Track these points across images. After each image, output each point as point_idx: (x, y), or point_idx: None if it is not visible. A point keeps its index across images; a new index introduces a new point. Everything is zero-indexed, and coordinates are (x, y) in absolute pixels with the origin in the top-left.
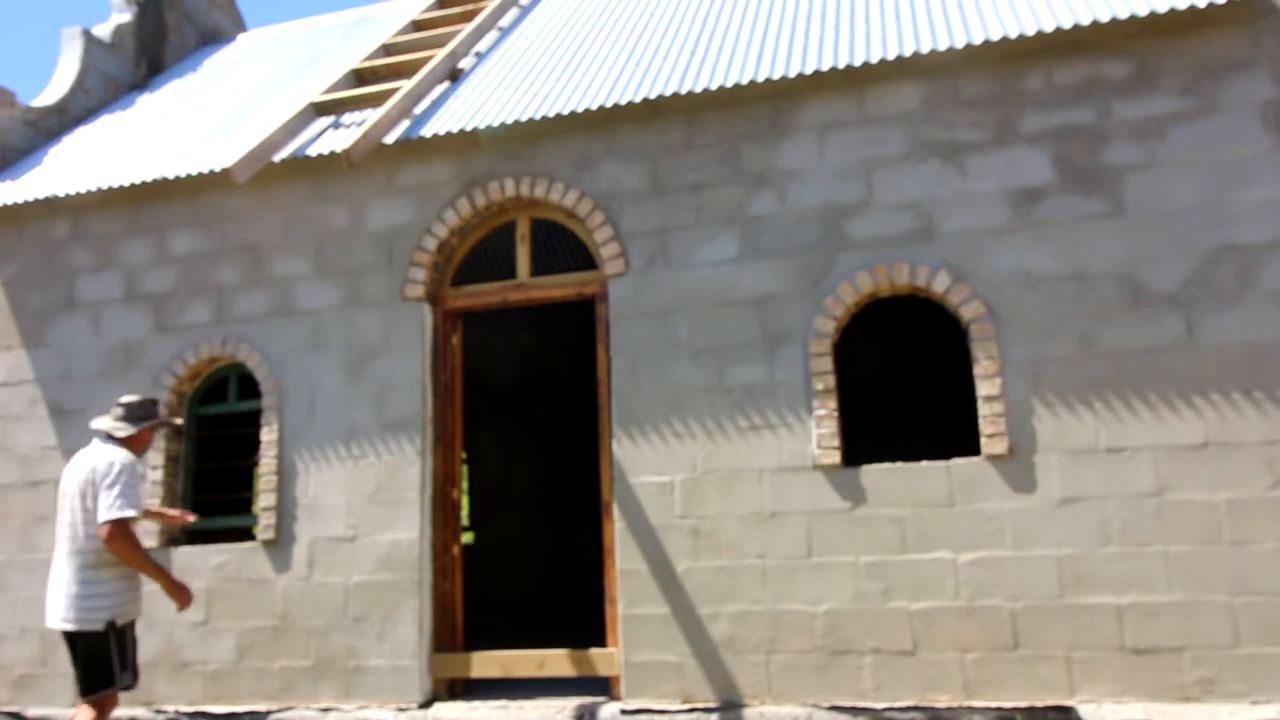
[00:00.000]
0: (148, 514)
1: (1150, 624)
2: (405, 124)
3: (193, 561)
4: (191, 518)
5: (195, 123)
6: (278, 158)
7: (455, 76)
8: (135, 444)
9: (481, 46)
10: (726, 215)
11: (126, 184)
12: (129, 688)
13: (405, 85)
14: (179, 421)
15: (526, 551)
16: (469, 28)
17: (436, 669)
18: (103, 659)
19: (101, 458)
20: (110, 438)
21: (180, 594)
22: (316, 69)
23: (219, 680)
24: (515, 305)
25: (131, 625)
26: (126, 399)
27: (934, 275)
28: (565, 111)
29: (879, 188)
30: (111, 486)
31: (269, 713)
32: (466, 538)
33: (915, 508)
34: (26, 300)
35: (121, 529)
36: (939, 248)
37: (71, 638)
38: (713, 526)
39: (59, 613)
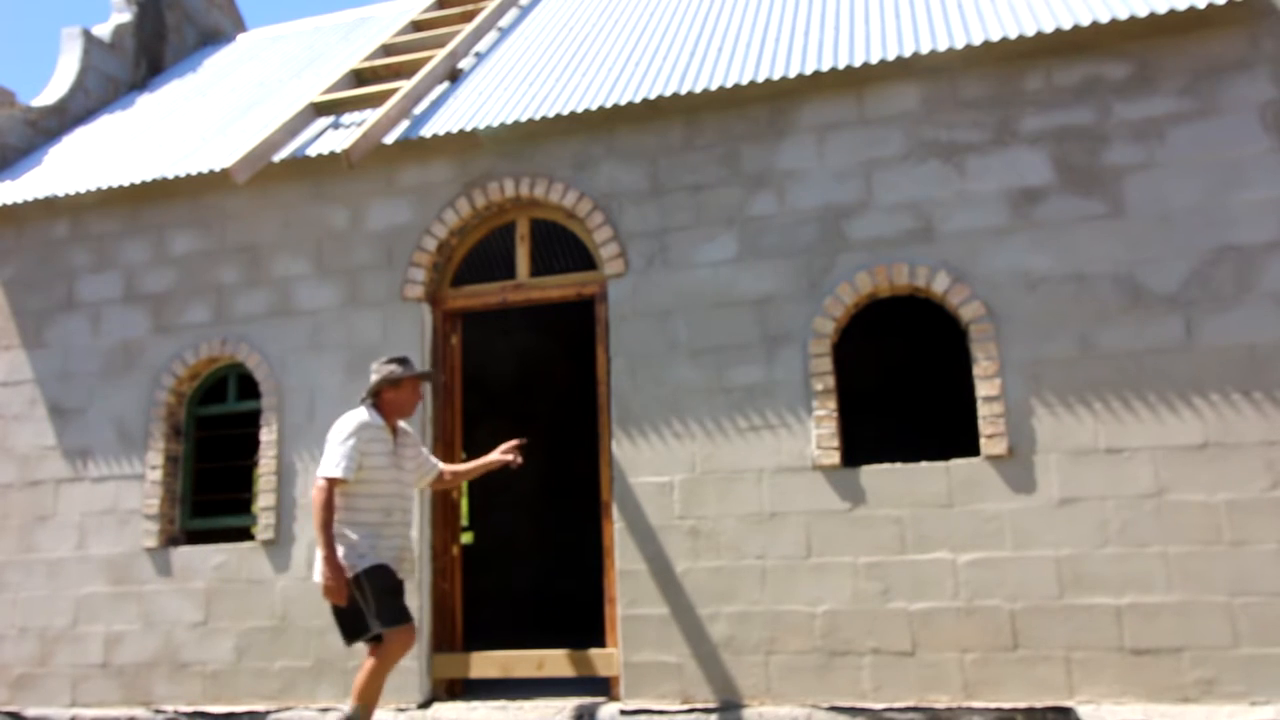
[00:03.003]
0: (465, 473)
1: (1149, 624)
2: (405, 124)
3: (192, 561)
4: (515, 456)
5: (195, 123)
6: (277, 158)
7: (455, 77)
8: (383, 406)
9: (481, 47)
10: (726, 215)
11: (126, 184)
12: (376, 636)
13: (405, 85)
14: (420, 371)
15: (526, 551)
16: (469, 28)
17: (436, 669)
18: (352, 608)
19: (340, 420)
20: (363, 400)
21: (329, 580)
22: (316, 69)
23: (218, 680)
24: (515, 305)
25: (377, 571)
26: (380, 360)
27: (933, 276)
28: (565, 112)
29: (878, 188)
30: (331, 447)
31: (268, 713)
32: (466, 538)
33: (914, 508)
34: (26, 300)
35: (322, 487)
36: (938, 248)
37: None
38: (712, 527)
39: (318, 566)
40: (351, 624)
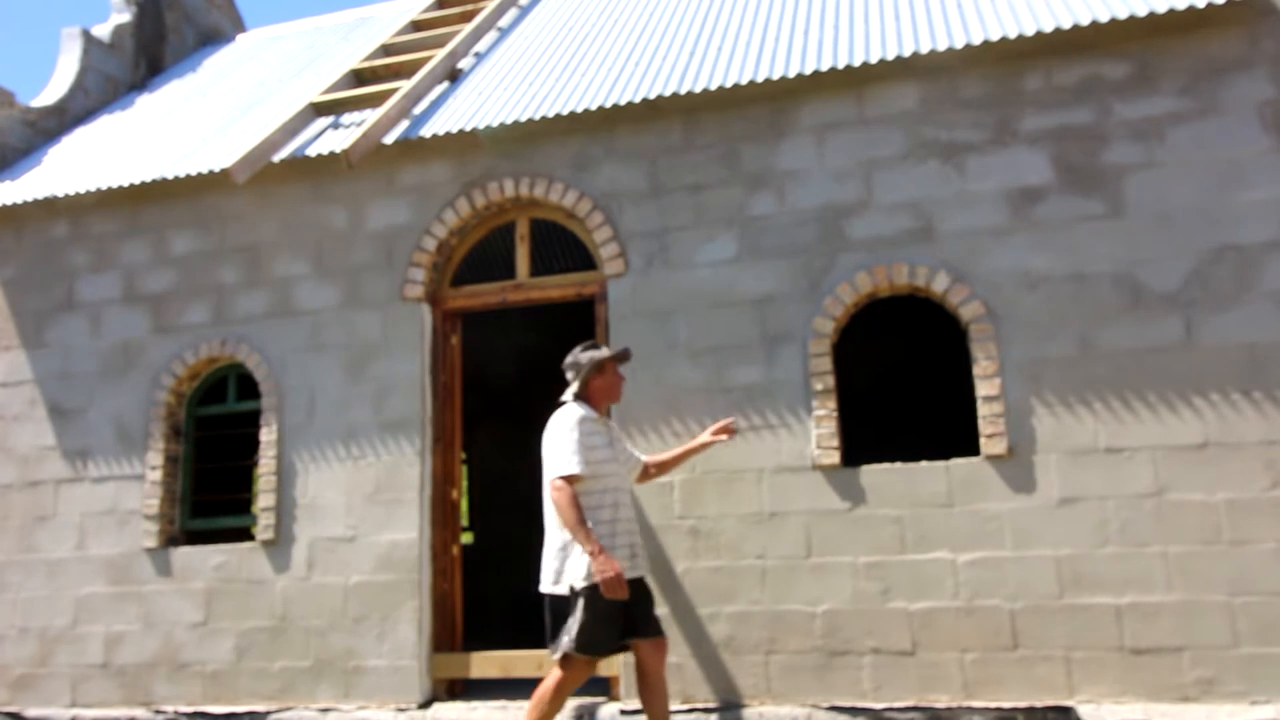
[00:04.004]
0: (673, 461)
1: (1149, 624)
2: (404, 124)
3: (192, 561)
4: (726, 435)
5: (195, 123)
6: (277, 158)
7: (454, 77)
8: (593, 397)
9: (481, 47)
10: (726, 215)
11: (126, 184)
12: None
13: (404, 85)
14: (620, 351)
15: (526, 552)
16: (468, 28)
17: (436, 669)
18: (561, 617)
19: (555, 420)
20: (565, 400)
21: (605, 575)
22: (316, 69)
23: (218, 680)
24: (514, 305)
25: (598, 594)
26: (567, 359)
27: (933, 275)
28: (565, 111)
29: (878, 188)
30: (558, 444)
31: (268, 713)
32: (466, 538)
33: (914, 508)
34: (25, 300)
35: (560, 486)
36: (938, 248)
37: (552, 600)
38: (712, 527)
39: (544, 577)
40: (555, 631)
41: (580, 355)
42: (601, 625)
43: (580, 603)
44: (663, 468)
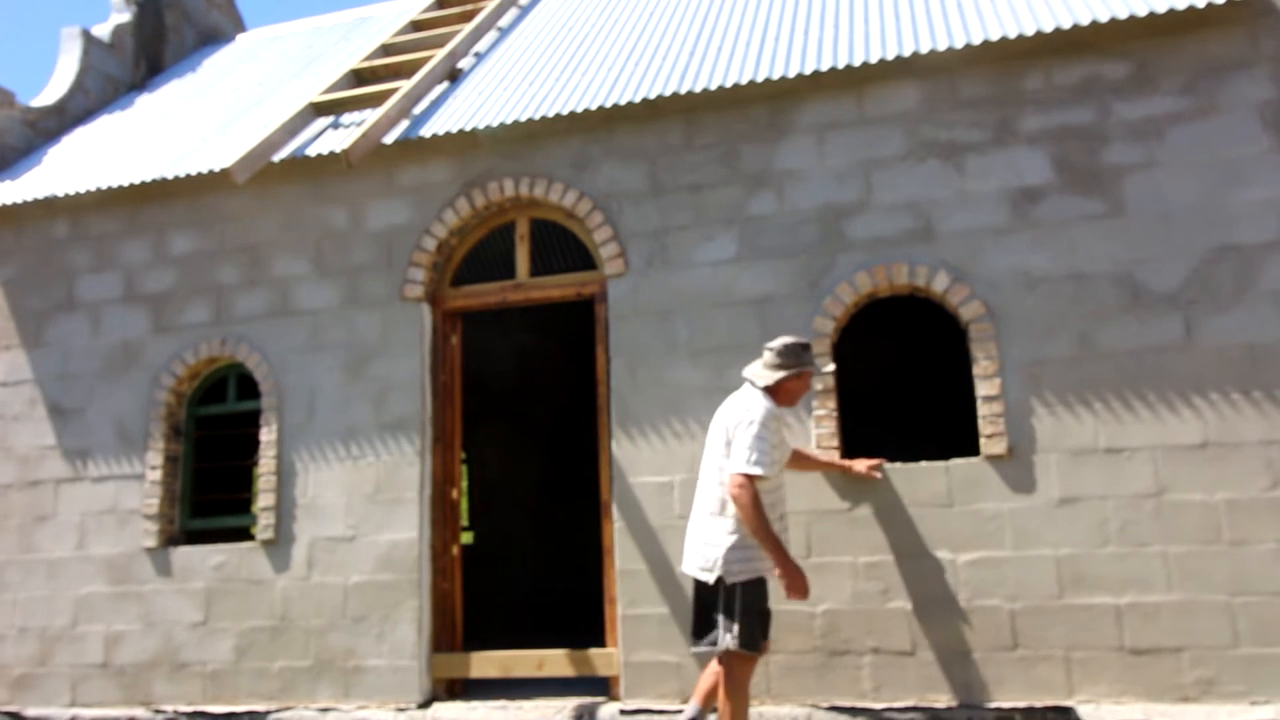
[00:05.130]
0: (815, 464)
1: (1149, 624)
2: (404, 124)
3: (192, 561)
4: (878, 474)
5: (195, 123)
6: (277, 158)
7: (454, 76)
8: (779, 394)
9: (481, 46)
10: (725, 215)
11: (125, 184)
12: (748, 649)
13: (404, 85)
14: (826, 369)
15: (526, 551)
16: (468, 28)
17: (436, 669)
18: (709, 613)
19: (742, 406)
20: (755, 384)
21: (792, 578)
22: (316, 69)
23: (218, 680)
24: (514, 305)
25: (753, 588)
26: (775, 342)
27: (933, 275)
28: (564, 111)
29: (878, 188)
30: (747, 438)
31: (268, 713)
32: (466, 538)
33: (914, 508)
34: (25, 300)
35: (745, 484)
36: (938, 248)
37: (697, 586)
38: None
39: (691, 559)
40: (704, 625)
41: (786, 349)
42: (759, 619)
43: (737, 599)
44: (802, 464)
